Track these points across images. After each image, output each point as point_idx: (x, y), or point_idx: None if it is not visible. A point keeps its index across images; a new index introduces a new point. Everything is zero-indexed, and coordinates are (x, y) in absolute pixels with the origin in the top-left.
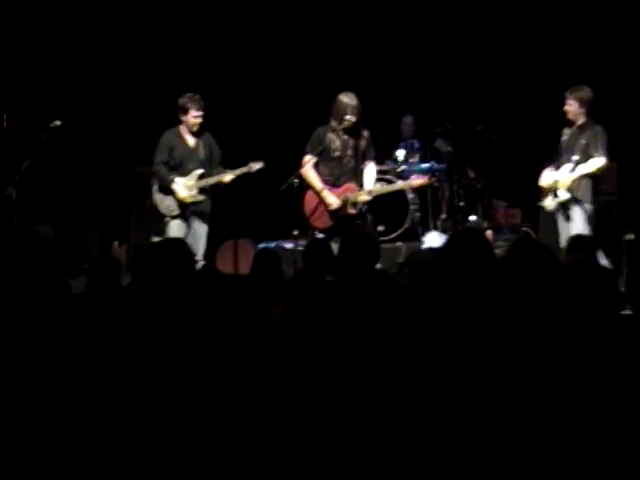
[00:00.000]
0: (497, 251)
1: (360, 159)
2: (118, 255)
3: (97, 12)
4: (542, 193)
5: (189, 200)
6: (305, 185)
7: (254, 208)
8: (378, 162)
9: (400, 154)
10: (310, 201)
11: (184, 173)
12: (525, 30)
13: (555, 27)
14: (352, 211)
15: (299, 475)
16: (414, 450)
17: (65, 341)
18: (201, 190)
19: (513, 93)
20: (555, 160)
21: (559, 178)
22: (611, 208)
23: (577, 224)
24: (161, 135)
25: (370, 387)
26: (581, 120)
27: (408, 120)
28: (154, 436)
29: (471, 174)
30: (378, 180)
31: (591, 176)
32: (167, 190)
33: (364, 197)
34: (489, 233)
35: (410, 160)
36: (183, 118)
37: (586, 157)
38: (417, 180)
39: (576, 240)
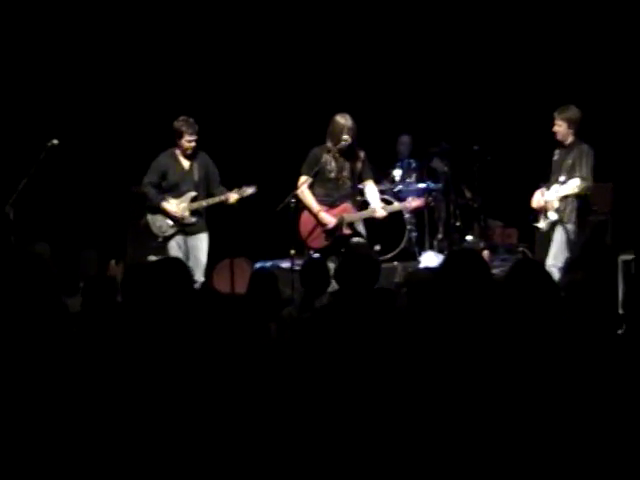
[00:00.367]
0: (494, 271)
1: (356, 180)
2: (115, 274)
3: (94, 33)
4: (537, 214)
5: (179, 216)
6: (301, 205)
7: (250, 227)
8: (375, 182)
9: (397, 174)
10: (306, 221)
11: (178, 195)
12: (521, 51)
13: (549, 48)
14: (347, 231)
15: None
16: (410, 467)
17: (61, 359)
18: (193, 212)
19: (509, 113)
20: (547, 181)
21: (548, 199)
22: (602, 228)
23: (556, 244)
24: (156, 156)
25: (369, 404)
26: (569, 140)
27: (405, 140)
28: (151, 455)
29: (467, 194)
30: None
31: (576, 196)
32: (155, 210)
33: (380, 214)
34: (486, 253)
35: (407, 180)
36: (177, 142)
37: (571, 177)
38: (414, 202)
39: (573, 261)
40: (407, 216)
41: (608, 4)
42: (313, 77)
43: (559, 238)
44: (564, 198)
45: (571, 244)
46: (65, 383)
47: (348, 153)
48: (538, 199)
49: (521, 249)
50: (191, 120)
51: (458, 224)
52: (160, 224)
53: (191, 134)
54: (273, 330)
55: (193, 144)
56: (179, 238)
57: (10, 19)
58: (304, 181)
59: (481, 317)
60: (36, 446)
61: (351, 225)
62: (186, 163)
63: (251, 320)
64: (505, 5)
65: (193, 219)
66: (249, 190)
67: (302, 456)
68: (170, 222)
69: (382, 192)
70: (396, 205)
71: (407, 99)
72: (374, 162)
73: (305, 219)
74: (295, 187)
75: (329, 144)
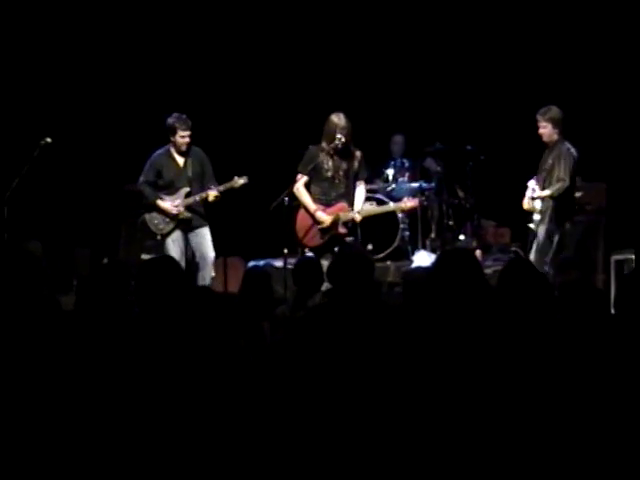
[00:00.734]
0: (486, 271)
1: (352, 179)
2: None
3: (87, 31)
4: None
5: (175, 212)
6: (296, 204)
7: (244, 226)
8: (368, 181)
9: (390, 173)
10: (302, 219)
11: (173, 192)
12: (515, 51)
13: (543, 48)
14: (343, 230)
15: None
16: (406, 466)
17: (54, 357)
18: (188, 208)
19: (502, 114)
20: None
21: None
22: (593, 228)
23: (535, 245)
24: (150, 154)
25: (364, 403)
26: (554, 139)
27: (398, 139)
28: (146, 455)
29: (460, 194)
30: (368, 199)
31: (551, 197)
32: (151, 208)
33: (354, 217)
34: (478, 253)
35: (400, 179)
36: (171, 138)
37: (550, 178)
38: (408, 203)
39: (565, 261)
40: (400, 215)
41: (601, 4)
42: (307, 76)
43: (538, 238)
44: (542, 199)
45: (546, 245)
46: (58, 382)
47: (344, 152)
48: (528, 200)
49: (514, 249)
50: (184, 116)
51: (451, 223)
52: (157, 222)
53: (184, 130)
54: (266, 329)
55: (187, 140)
56: (176, 235)
57: (2, 17)
58: (300, 179)
59: (474, 316)
60: (28, 445)
61: (346, 224)
62: (180, 160)
63: (244, 319)
64: (498, 5)
65: (188, 214)
66: (240, 181)
67: (298, 455)
68: (167, 219)
69: (375, 192)
70: (391, 205)
71: (400, 98)
72: (367, 161)
73: (301, 218)
74: (291, 186)
75: (324, 143)
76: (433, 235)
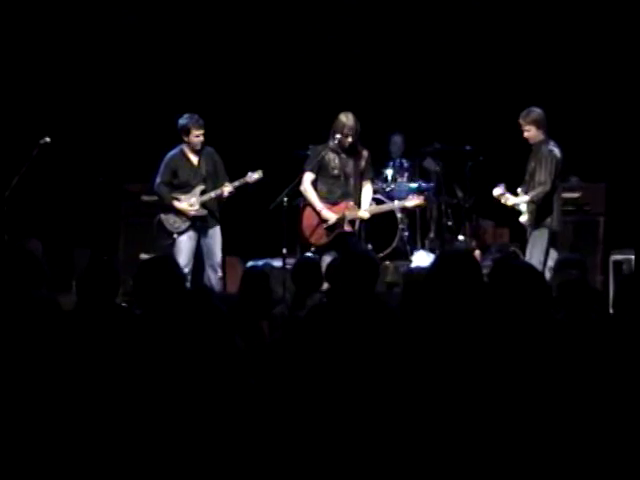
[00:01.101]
0: (485, 271)
1: (359, 178)
2: None
3: (86, 31)
4: None
5: (192, 213)
6: (295, 204)
7: (242, 226)
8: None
9: (389, 173)
10: (308, 217)
11: (188, 191)
12: (514, 51)
13: (543, 48)
14: (349, 229)
15: None
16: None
17: (53, 357)
18: (204, 205)
19: (501, 114)
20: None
21: (512, 203)
22: (592, 229)
23: (527, 248)
24: (163, 155)
25: (364, 403)
26: (538, 140)
27: (397, 139)
28: (146, 456)
29: (459, 194)
30: None
31: (533, 202)
32: (169, 209)
33: (363, 215)
34: (477, 253)
35: (398, 179)
36: (185, 138)
37: (532, 181)
38: (413, 200)
39: (564, 260)
40: (399, 215)
41: (606, 5)
42: (306, 76)
43: (528, 241)
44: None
45: (537, 246)
46: (56, 382)
47: (351, 151)
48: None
49: (512, 249)
50: (196, 116)
51: (450, 224)
52: (174, 221)
53: (198, 129)
54: (265, 328)
55: (201, 139)
56: (191, 233)
57: (2, 17)
58: (307, 177)
59: (472, 318)
60: (26, 446)
61: (352, 222)
62: (194, 159)
63: (243, 318)
64: (497, 5)
65: (205, 211)
66: (255, 176)
67: (297, 455)
68: (183, 217)
69: (374, 192)
70: (396, 203)
71: (399, 98)
72: None
73: (307, 216)
74: (296, 183)
75: (331, 142)
76: (432, 235)
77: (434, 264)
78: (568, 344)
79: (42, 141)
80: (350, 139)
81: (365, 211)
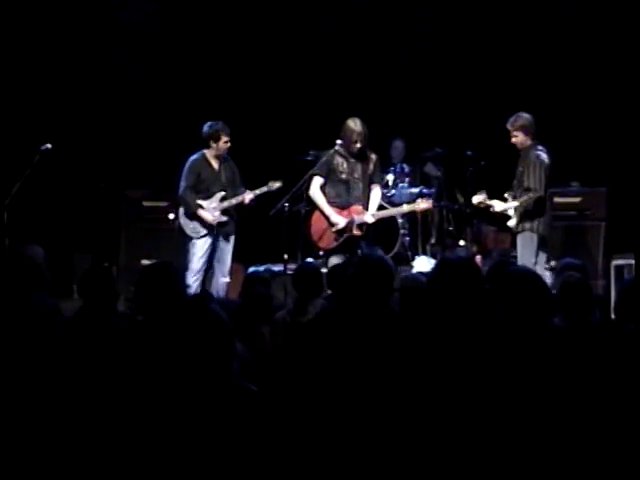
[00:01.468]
0: None
1: (367, 183)
2: None
3: (87, 37)
4: None
5: (215, 221)
6: (296, 210)
7: (244, 232)
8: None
9: (390, 178)
10: (317, 222)
11: (208, 196)
12: (515, 56)
13: (543, 53)
14: (357, 232)
15: None
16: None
17: (53, 363)
18: (223, 211)
19: (503, 118)
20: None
21: (499, 209)
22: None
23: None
24: (184, 161)
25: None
26: (526, 145)
27: (398, 144)
28: (147, 463)
29: (460, 199)
30: None
31: (522, 206)
32: (192, 215)
33: (368, 219)
34: (478, 258)
35: (400, 185)
36: (214, 145)
37: (520, 185)
38: (422, 204)
39: (565, 264)
40: (400, 221)
41: (607, 10)
42: (306, 82)
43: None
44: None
45: (527, 251)
46: (56, 389)
47: (360, 156)
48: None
49: (514, 254)
50: (224, 123)
51: (451, 229)
52: (194, 226)
53: (227, 136)
54: (266, 334)
55: (229, 145)
56: (209, 238)
57: (3, 23)
58: (316, 182)
59: (472, 325)
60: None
61: (361, 226)
62: (216, 165)
63: (244, 324)
64: (499, 9)
65: (225, 218)
66: (276, 184)
67: (299, 462)
68: (204, 223)
69: None
70: (405, 207)
71: (400, 104)
72: None
73: (316, 220)
74: (307, 189)
75: (341, 147)
76: (433, 240)
77: (434, 270)
78: (567, 350)
79: (43, 147)
80: (359, 144)
81: (371, 215)
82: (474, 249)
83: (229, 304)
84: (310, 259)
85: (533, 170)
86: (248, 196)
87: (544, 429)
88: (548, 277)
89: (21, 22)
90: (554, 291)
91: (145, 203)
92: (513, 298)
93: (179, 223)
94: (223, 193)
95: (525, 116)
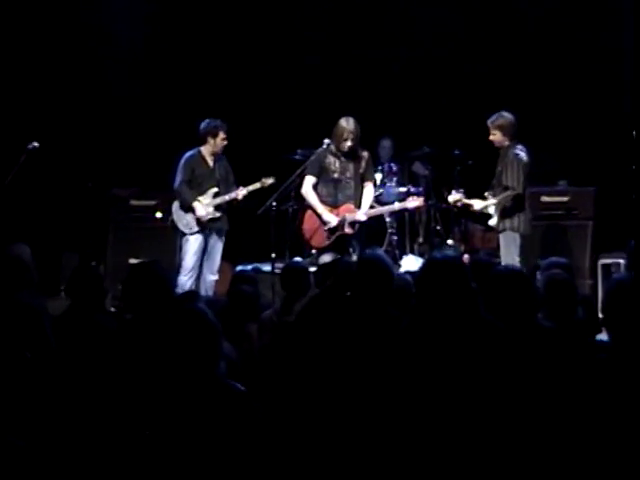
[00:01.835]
0: None
1: (359, 181)
2: None
3: (73, 36)
4: None
5: (208, 217)
6: (287, 208)
7: (231, 230)
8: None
9: (378, 177)
10: (309, 220)
11: (201, 192)
12: (504, 56)
13: (532, 53)
14: (349, 231)
15: None
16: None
17: (40, 362)
18: (216, 207)
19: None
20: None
21: (477, 207)
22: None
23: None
24: (179, 157)
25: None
26: (505, 145)
27: (386, 143)
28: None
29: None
30: None
31: (500, 205)
32: (187, 209)
33: (359, 217)
34: (466, 257)
35: (387, 183)
36: (211, 141)
37: (499, 184)
38: (413, 202)
39: (550, 263)
40: (388, 220)
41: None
42: (294, 81)
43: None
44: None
45: (509, 249)
46: (42, 387)
47: (352, 154)
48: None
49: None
50: (222, 121)
51: (439, 228)
52: (187, 221)
53: (225, 132)
54: (254, 332)
55: (225, 143)
56: (201, 234)
57: None
58: (308, 181)
59: (459, 322)
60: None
61: (353, 225)
62: (211, 162)
63: (231, 322)
64: (486, 9)
65: (218, 214)
66: (268, 181)
67: (287, 459)
68: (197, 219)
69: None
70: (396, 205)
71: (388, 103)
72: None
73: (308, 219)
74: (299, 187)
75: (332, 146)
76: (421, 239)
77: (422, 269)
78: (553, 348)
79: (30, 146)
80: (349, 142)
81: (363, 214)
82: (462, 248)
83: (216, 303)
84: (298, 258)
85: (511, 169)
86: (241, 192)
87: (530, 425)
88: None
89: (7, 21)
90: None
91: (132, 202)
92: (500, 297)
93: (172, 219)
94: (216, 189)
95: (505, 116)
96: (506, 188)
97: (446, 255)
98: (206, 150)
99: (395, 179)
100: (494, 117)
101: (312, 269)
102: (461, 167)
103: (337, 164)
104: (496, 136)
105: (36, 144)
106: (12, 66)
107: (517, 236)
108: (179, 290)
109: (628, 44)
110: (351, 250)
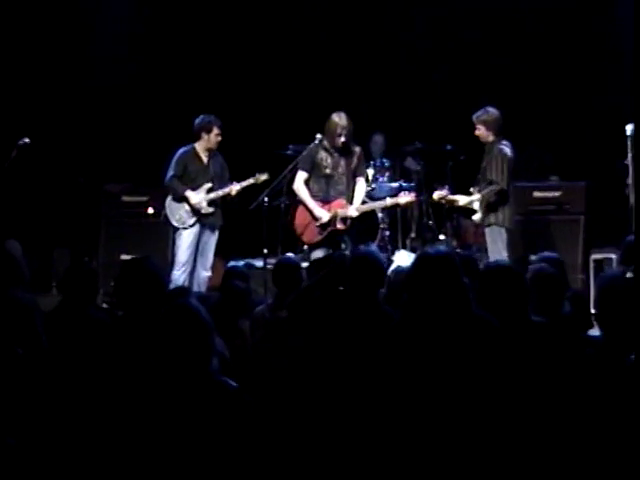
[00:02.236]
0: None
1: (351, 176)
2: None
3: (63, 32)
4: None
5: (202, 210)
6: (279, 203)
7: (223, 226)
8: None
9: (370, 173)
10: (301, 216)
11: (195, 188)
12: (494, 51)
13: (524, 48)
14: (341, 226)
15: None
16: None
17: (31, 358)
18: (210, 203)
19: None
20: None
21: (462, 203)
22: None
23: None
24: (173, 153)
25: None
26: (489, 140)
27: (378, 139)
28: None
29: None
30: None
31: (484, 199)
32: (180, 199)
33: (351, 213)
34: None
35: (379, 179)
36: (205, 136)
37: (484, 179)
38: (405, 198)
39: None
40: (380, 215)
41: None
42: (286, 76)
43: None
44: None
45: (495, 244)
46: (34, 383)
47: (344, 150)
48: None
49: None
50: (216, 117)
51: (431, 223)
52: (180, 215)
53: (219, 128)
54: (246, 328)
55: (220, 138)
56: (195, 229)
57: None
58: (300, 176)
59: (450, 318)
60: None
61: (345, 220)
62: (205, 158)
63: (223, 318)
64: (478, 5)
65: (211, 209)
66: (262, 177)
67: (279, 455)
68: (190, 213)
69: None
70: (388, 200)
71: (380, 98)
72: None
73: (300, 214)
74: (291, 182)
75: (325, 141)
76: (413, 235)
77: (414, 265)
78: (543, 342)
79: (21, 142)
80: (342, 138)
81: (354, 209)
82: (454, 243)
83: (208, 299)
84: (290, 253)
85: (495, 164)
86: (235, 187)
87: (522, 420)
88: None
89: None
90: None
91: (124, 198)
92: (491, 292)
93: (165, 214)
94: (210, 185)
95: (490, 111)
96: (490, 183)
97: (438, 250)
98: (200, 146)
99: (387, 174)
100: (479, 112)
101: (304, 265)
102: (453, 162)
103: (329, 160)
104: (481, 131)
105: (27, 140)
106: (2, 62)
107: (503, 230)
108: (173, 285)
109: (626, 42)
110: (343, 246)
